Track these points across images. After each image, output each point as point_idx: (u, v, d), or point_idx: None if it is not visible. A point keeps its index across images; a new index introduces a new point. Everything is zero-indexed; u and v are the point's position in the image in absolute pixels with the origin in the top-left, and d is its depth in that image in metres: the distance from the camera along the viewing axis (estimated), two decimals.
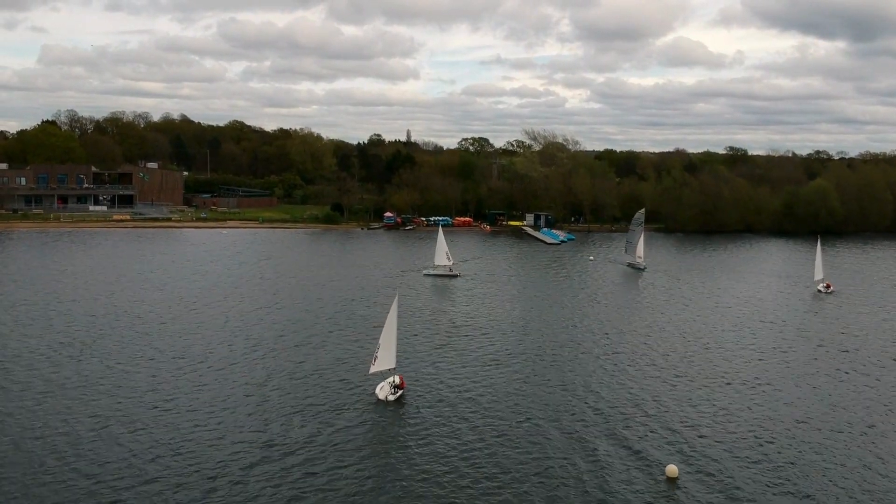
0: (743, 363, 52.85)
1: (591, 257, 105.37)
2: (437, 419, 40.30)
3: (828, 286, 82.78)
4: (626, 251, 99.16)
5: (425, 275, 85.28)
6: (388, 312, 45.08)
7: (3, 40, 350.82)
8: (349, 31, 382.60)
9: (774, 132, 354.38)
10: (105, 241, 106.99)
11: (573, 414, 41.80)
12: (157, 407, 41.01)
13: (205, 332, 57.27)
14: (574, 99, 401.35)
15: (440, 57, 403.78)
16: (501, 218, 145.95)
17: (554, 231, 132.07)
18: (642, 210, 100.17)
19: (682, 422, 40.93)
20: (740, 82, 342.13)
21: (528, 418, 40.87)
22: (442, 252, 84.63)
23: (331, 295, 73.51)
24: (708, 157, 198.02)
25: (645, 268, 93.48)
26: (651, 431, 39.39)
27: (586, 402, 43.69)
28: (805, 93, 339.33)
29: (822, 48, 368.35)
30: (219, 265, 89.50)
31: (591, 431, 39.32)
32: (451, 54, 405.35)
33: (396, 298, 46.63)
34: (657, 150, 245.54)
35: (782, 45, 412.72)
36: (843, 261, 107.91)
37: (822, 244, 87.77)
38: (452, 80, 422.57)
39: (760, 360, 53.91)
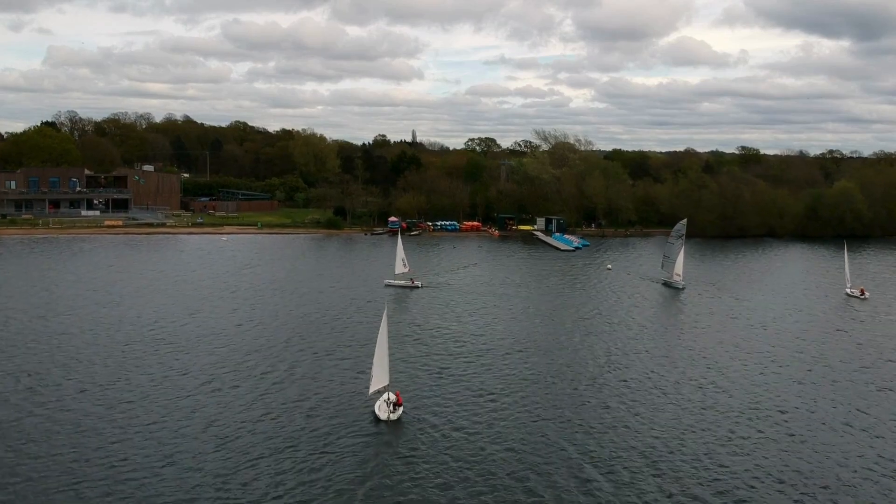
0: (790, 397, 46.28)
1: (609, 266, 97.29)
2: (433, 453, 34.19)
3: (861, 292, 78.73)
4: (662, 266, 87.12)
5: (386, 285, 79.31)
6: (378, 329, 42.17)
7: (10, 42, 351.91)
8: (353, 31, 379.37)
9: (781, 131, 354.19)
10: (89, 250, 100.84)
11: (588, 466, 35.38)
12: (110, 466, 34.90)
13: (175, 354, 51.19)
14: (579, 99, 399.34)
15: (444, 57, 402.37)
16: (511, 222, 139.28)
17: (567, 236, 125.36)
18: (683, 221, 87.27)
19: (725, 480, 34.48)
20: (745, 81, 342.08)
21: (538, 470, 34.56)
22: (399, 259, 79.02)
23: (319, 310, 67.14)
24: (718, 158, 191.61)
25: (683, 287, 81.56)
26: (686, 494, 32.97)
27: (602, 446, 37.22)
28: (810, 92, 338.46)
29: (827, 47, 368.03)
30: (204, 276, 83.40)
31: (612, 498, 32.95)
32: (455, 54, 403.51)
33: (385, 313, 43.38)
34: (664, 149, 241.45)
35: (786, 44, 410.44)
36: (874, 268, 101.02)
37: (850, 249, 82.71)
38: (457, 81, 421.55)
39: (805, 389, 47.41)
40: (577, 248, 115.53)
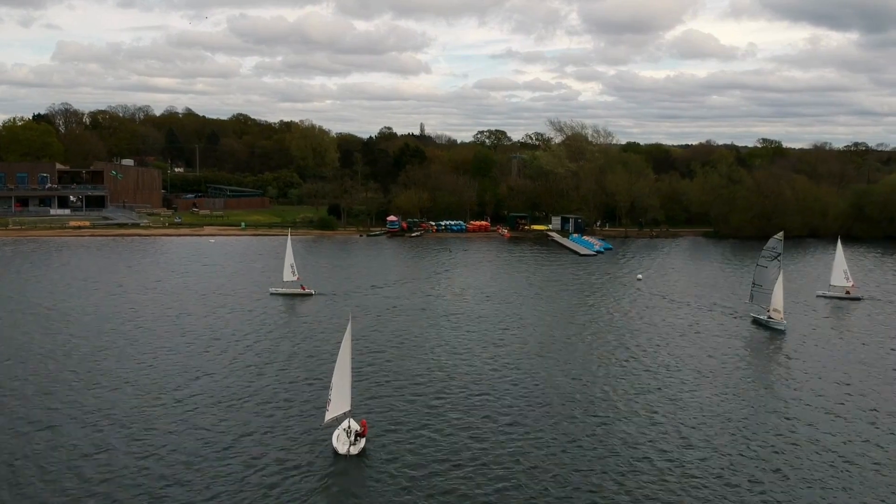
0: None
1: (640, 276, 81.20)
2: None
3: (847, 292, 70.71)
4: (751, 298, 62.86)
5: (272, 294, 68.16)
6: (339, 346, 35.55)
7: (20, 37, 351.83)
8: (360, 25, 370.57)
9: (792, 124, 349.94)
10: (30, 254, 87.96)
11: None
12: None
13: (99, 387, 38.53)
14: (587, 92, 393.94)
15: (452, 51, 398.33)
16: (523, 222, 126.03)
17: (586, 238, 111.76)
18: (779, 235, 63.15)
19: None
20: (753, 74, 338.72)
21: None
22: (287, 265, 68.01)
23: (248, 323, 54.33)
24: (737, 151, 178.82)
25: (786, 329, 57.95)
26: None
27: None
28: (819, 85, 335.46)
29: (835, 40, 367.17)
30: (141, 288, 70.86)
31: None
32: (462, 48, 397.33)
33: (349, 328, 35.50)
34: (675, 143, 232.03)
35: (794, 36, 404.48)
36: None
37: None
38: (465, 74, 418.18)
39: None
40: (598, 252, 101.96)
